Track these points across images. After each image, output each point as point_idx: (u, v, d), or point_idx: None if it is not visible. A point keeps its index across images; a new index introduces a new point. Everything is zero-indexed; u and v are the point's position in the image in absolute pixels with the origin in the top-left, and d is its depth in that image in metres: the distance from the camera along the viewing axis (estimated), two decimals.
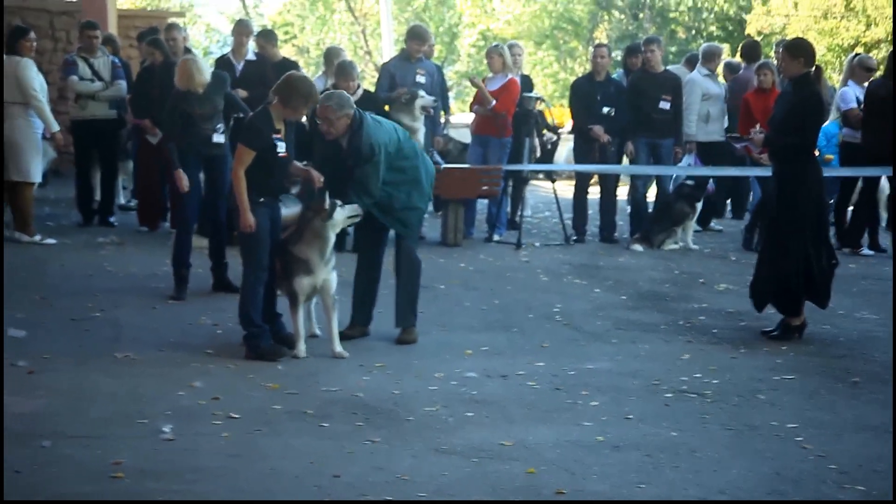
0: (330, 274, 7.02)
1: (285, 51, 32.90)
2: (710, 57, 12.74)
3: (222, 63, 11.86)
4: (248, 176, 6.82)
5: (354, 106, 7.08)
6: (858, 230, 11.54)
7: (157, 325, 7.63)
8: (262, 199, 6.91)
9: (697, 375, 6.71)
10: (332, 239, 7.04)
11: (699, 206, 11.84)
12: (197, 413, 5.73)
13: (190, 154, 8.45)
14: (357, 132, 7.04)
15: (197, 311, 8.06)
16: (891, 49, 17.09)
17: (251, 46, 11.94)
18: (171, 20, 15.49)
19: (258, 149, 6.82)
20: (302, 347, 6.95)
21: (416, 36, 11.86)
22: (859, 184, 11.90)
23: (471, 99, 12.83)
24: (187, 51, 12.12)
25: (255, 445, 5.27)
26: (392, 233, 7.62)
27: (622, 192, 12.58)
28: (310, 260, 6.94)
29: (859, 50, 22.20)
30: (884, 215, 12.65)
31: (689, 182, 11.75)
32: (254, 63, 11.64)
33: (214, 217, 8.74)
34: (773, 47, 13.11)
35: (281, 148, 6.92)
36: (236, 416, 5.68)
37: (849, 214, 11.96)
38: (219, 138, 8.57)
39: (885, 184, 12.17)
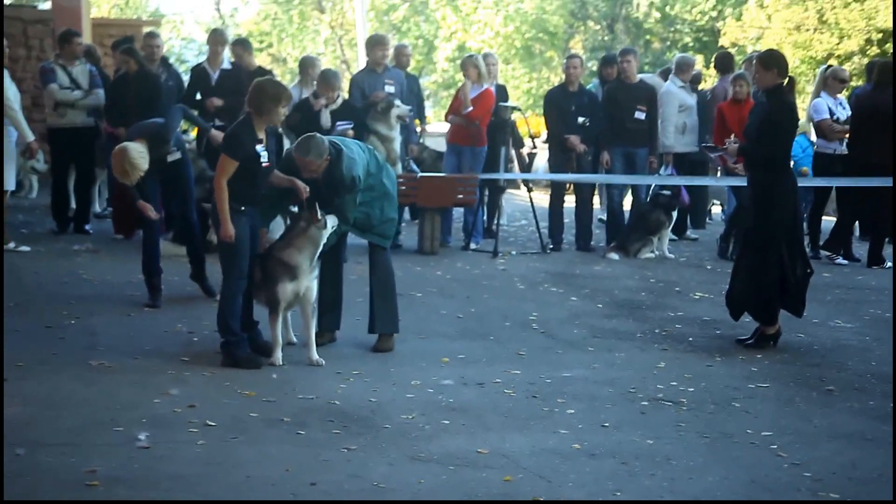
0: (312, 282, 7.02)
1: (261, 60, 32.88)
2: (684, 68, 12.82)
3: (198, 72, 11.85)
4: (231, 185, 6.80)
5: (328, 144, 7.05)
6: (879, 244, 11.48)
7: (133, 332, 7.59)
8: (243, 208, 6.89)
9: (673, 383, 6.74)
10: (321, 246, 7.04)
11: (675, 214, 11.91)
12: (172, 421, 5.70)
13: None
14: (336, 165, 7.05)
15: (173, 318, 8.03)
16: (868, 60, 17.19)
17: (227, 55, 11.93)
18: (147, 28, 15.48)
19: (241, 159, 6.80)
20: (279, 355, 6.94)
21: (375, 43, 11.89)
22: (832, 193, 12.01)
23: (446, 108, 12.85)
24: (164, 60, 12.12)
25: (231, 453, 5.25)
26: (360, 241, 7.66)
27: (598, 201, 12.63)
28: (299, 266, 6.93)
29: (832, 62, 22.38)
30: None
31: (665, 192, 11.81)
32: (229, 72, 11.64)
33: (187, 224, 8.71)
34: (745, 61, 13.18)
35: (264, 157, 6.91)
36: (212, 423, 5.66)
37: (823, 222, 12.05)
38: (173, 157, 8.48)
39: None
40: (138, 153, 7.85)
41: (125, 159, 7.82)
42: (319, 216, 6.95)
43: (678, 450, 5.51)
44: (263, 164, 6.92)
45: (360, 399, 6.22)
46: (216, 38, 12.11)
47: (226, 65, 11.74)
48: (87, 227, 11.89)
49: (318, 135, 7.15)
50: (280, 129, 11.37)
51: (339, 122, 10.59)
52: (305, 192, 7.09)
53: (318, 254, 7.03)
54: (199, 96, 11.62)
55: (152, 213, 8.25)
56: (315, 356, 6.95)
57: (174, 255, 9.24)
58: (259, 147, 6.89)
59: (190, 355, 7.02)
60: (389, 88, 11.58)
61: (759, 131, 7.61)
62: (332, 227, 7.07)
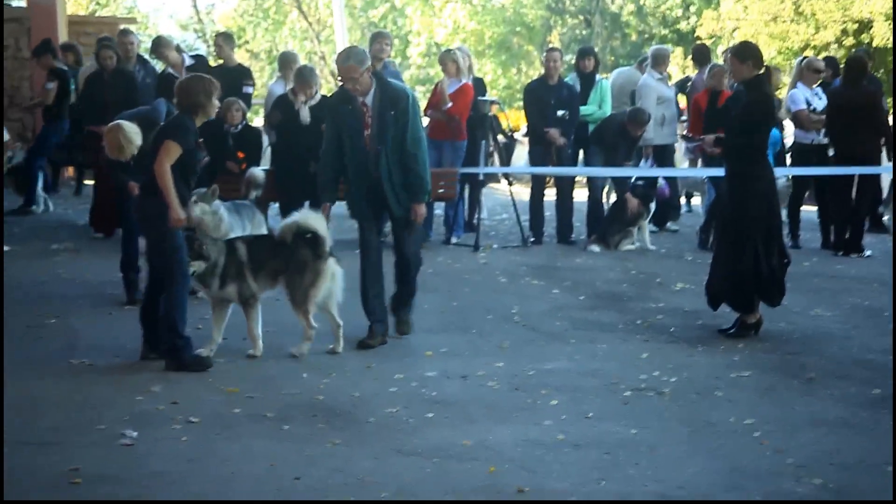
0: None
1: (238, 56, 32.75)
2: (660, 60, 12.86)
3: (165, 77, 11.63)
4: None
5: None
6: (858, 234, 11.56)
7: (114, 330, 7.57)
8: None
9: (655, 373, 6.76)
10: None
11: (653, 205, 11.95)
12: (155, 418, 5.69)
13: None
14: (384, 82, 7.29)
15: None
16: (844, 50, 17.26)
17: (186, 56, 11.83)
18: (123, 26, 15.40)
19: (186, 148, 6.66)
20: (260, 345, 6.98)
21: (376, 38, 11.91)
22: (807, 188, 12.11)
23: (422, 103, 12.83)
24: (140, 58, 12.04)
25: (214, 449, 5.25)
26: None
27: (579, 193, 12.65)
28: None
29: (809, 53, 22.44)
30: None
31: (640, 182, 11.85)
32: (193, 66, 11.52)
33: None
34: (725, 52, 13.25)
35: (199, 156, 6.86)
36: (195, 420, 5.65)
37: (801, 214, 12.12)
38: None
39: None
40: (132, 128, 7.83)
41: (121, 133, 7.76)
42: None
43: (661, 439, 5.53)
44: (198, 159, 6.87)
45: (343, 394, 6.21)
46: (159, 43, 11.90)
47: (188, 62, 11.63)
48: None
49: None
50: (262, 128, 11.34)
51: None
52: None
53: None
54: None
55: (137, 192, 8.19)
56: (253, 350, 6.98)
57: None
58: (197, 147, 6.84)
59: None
60: None
61: (738, 122, 7.64)
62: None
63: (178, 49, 11.87)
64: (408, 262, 7.67)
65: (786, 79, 15.29)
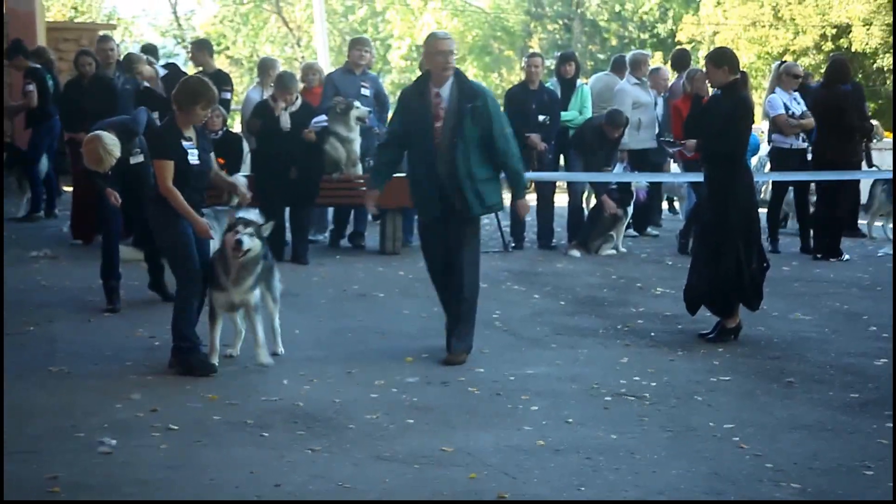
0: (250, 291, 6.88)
1: (217, 63, 32.67)
2: (638, 65, 12.90)
3: (143, 92, 11.53)
4: None
5: None
6: (837, 238, 11.61)
7: (93, 338, 7.53)
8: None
9: (636, 378, 6.78)
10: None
11: (630, 209, 11.99)
12: (135, 425, 5.66)
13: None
14: (462, 77, 7.24)
15: (133, 323, 7.98)
16: (823, 55, 17.30)
17: (159, 65, 11.81)
18: (102, 32, 15.33)
19: (171, 158, 6.66)
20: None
21: (356, 44, 11.92)
22: (786, 193, 12.16)
23: None
24: (119, 64, 12.00)
25: (194, 456, 5.23)
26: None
27: (560, 199, 12.68)
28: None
29: (788, 58, 22.56)
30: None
31: (613, 187, 11.88)
32: (167, 76, 11.49)
33: (146, 229, 8.62)
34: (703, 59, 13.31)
35: (192, 155, 6.78)
36: (175, 427, 5.63)
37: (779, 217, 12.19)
38: (136, 159, 8.41)
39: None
40: (111, 139, 7.82)
41: (100, 144, 7.76)
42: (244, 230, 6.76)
43: (641, 444, 5.54)
44: (193, 163, 6.78)
45: (323, 400, 6.20)
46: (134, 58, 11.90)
47: (161, 73, 11.60)
48: None
49: None
50: (241, 134, 11.31)
51: (315, 119, 10.61)
52: (246, 199, 7.00)
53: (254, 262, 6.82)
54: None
55: (117, 197, 8.17)
56: (262, 358, 6.88)
57: (133, 260, 9.15)
58: (187, 144, 6.77)
59: (151, 360, 6.98)
60: (365, 92, 11.58)
61: (717, 127, 7.67)
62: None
63: (150, 62, 11.82)
64: (462, 274, 7.20)
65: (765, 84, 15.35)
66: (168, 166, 6.67)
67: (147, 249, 8.71)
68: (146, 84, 11.26)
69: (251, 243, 6.72)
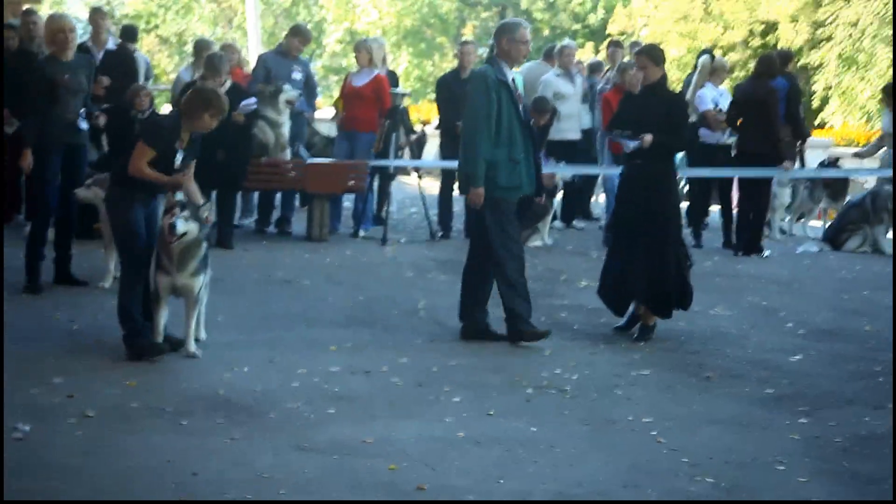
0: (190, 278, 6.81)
1: (147, 41, 32.19)
2: (561, 56, 12.96)
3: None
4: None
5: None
6: (758, 234, 11.76)
7: (11, 319, 7.38)
8: (139, 195, 6.72)
9: (557, 371, 6.83)
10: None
11: (556, 201, 12.07)
12: (51, 410, 5.58)
13: (51, 140, 8.18)
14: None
15: (52, 306, 7.86)
16: (751, 50, 17.53)
17: (112, 35, 11.68)
18: (27, 6, 15.02)
19: (158, 150, 6.62)
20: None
21: (299, 33, 11.94)
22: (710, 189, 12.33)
23: (336, 94, 12.81)
24: (81, 46, 11.81)
25: (111, 443, 5.17)
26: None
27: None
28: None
29: (717, 52, 22.81)
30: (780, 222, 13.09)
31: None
32: (114, 52, 11.38)
33: (65, 208, 8.49)
34: (631, 49, 13.41)
35: (177, 160, 6.73)
36: (92, 413, 5.56)
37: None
38: (82, 124, 8.32)
39: (777, 190, 12.54)
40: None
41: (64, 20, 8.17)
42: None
43: (561, 437, 5.59)
44: (174, 167, 6.73)
45: (244, 388, 6.16)
46: (98, 16, 11.82)
47: (110, 45, 11.48)
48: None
49: None
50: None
51: (244, 102, 10.51)
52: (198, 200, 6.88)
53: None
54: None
55: (29, 162, 8.06)
56: (192, 348, 6.81)
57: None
58: (178, 148, 6.73)
59: (70, 343, 6.89)
60: (296, 76, 11.62)
61: (663, 122, 7.70)
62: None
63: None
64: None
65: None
66: (149, 153, 6.62)
67: (62, 228, 8.53)
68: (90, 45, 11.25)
69: (186, 226, 6.62)
